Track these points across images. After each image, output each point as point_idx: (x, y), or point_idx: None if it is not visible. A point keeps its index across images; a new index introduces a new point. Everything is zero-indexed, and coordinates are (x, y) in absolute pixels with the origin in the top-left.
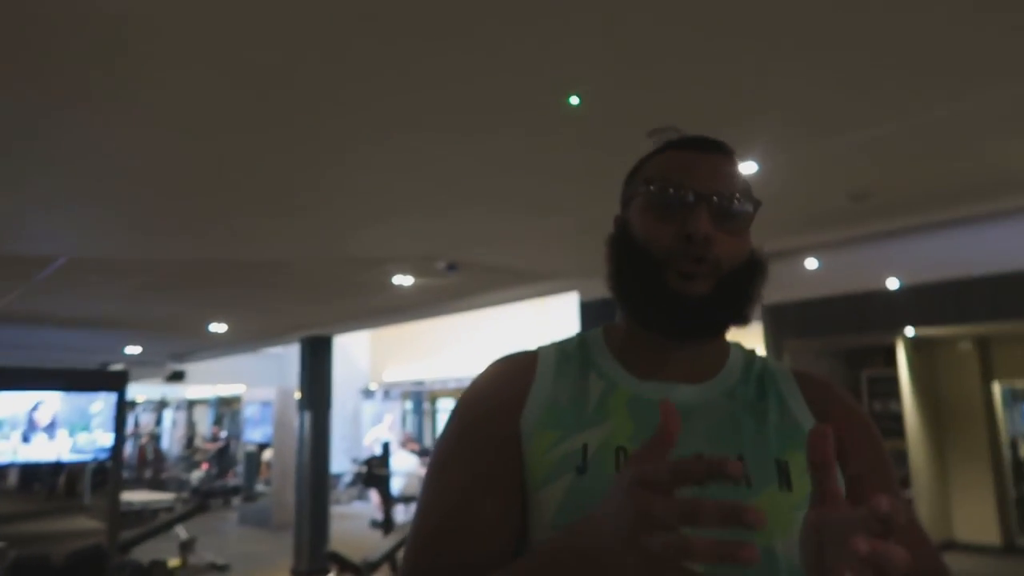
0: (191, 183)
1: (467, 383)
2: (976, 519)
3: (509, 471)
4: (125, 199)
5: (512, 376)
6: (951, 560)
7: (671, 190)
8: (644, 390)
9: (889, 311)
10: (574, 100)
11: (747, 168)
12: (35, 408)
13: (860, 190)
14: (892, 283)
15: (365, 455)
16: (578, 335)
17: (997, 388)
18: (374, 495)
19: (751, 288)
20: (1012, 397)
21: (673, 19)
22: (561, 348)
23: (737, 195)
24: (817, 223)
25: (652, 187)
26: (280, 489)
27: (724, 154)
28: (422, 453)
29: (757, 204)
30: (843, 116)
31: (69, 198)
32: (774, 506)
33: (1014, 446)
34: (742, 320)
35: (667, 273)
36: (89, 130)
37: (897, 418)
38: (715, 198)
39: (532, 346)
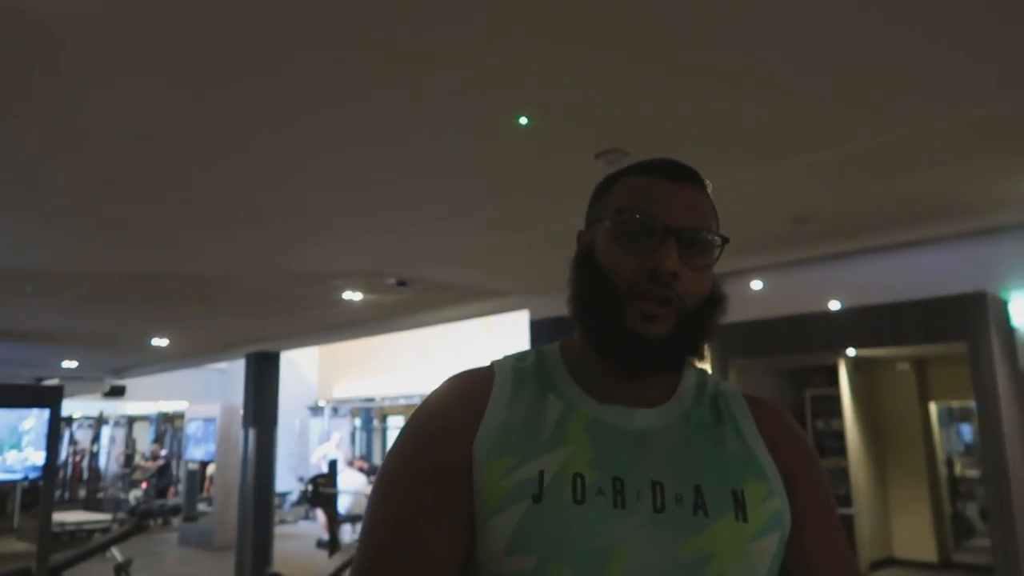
0: (126, 196)
1: (418, 401)
2: (914, 536)
3: (457, 500)
4: (58, 210)
5: (465, 396)
6: None
7: (640, 221)
8: (603, 414)
9: (830, 332)
10: (523, 121)
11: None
12: None
13: (803, 213)
14: (834, 305)
15: (312, 473)
16: (535, 351)
17: (934, 408)
18: (320, 514)
19: (710, 324)
20: (949, 417)
21: (615, 45)
22: (518, 366)
23: (706, 231)
24: (761, 245)
25: (621, 215)
26: (222, 508)
27: (696, 184)
28: (371, 472)
29: (725, 240)
30: (784, 142)
31: None
32: (729, 536)
33: (950, 464)
34: (698, 355)
35: (628, 310)
36: (17, 139)
37: (839, 436)
38: (684, 233)
39: (487, 361)
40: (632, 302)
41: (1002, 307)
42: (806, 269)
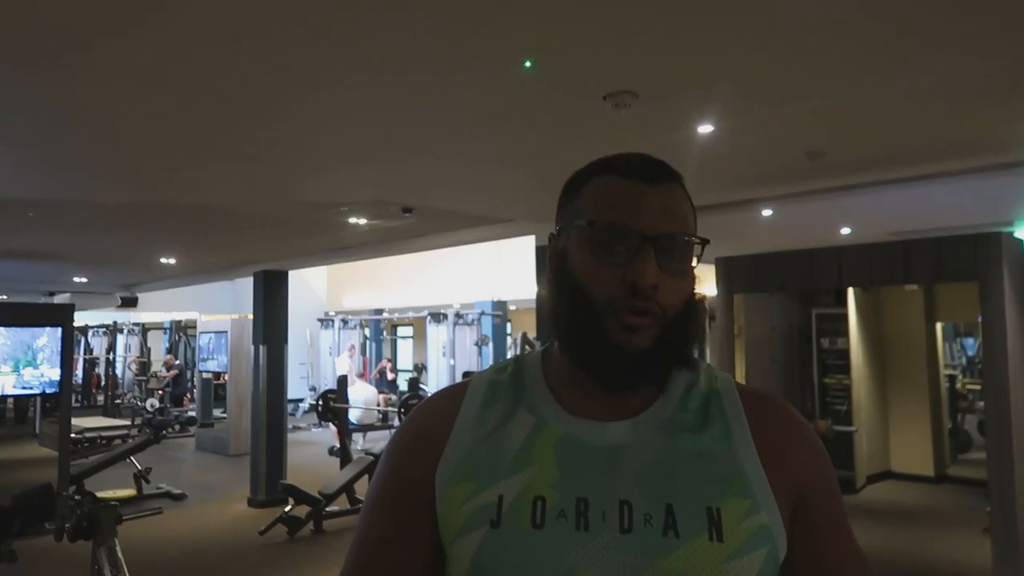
0: (133, 129)
1: (426, 313)
2: (912, 450)
3: (423, 525)
4: (62, 143)
5: (434, 421)
6: (888, 489)
7: (614, 231)
8: (575, 429)
9: (838, 268)
10: (527, 64)
11: (704, 128)
12: None
13: (817, 148)
14: (845, 231)
15: (324, 386)
16: (515, 360)
17: (939, 327)
18: (332, 425)
19: (693, 328)
20: (954, 332)
21: None
22: (494, 379)
23: (686, 236)
24: (773, 178)
25: (593, 226)
26: (236, 418)
27: (670, 183)
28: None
29: (705, 242)
30: (799, 83)
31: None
32: (702, 558)
33: (951, 379)
34: (686, 363)
35: (609, 323)
36: (22, 76)
37: (843, 355)
38: (662, 239)
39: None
40: (612, 316)
41: (1016, 246)
42: (817, 201)
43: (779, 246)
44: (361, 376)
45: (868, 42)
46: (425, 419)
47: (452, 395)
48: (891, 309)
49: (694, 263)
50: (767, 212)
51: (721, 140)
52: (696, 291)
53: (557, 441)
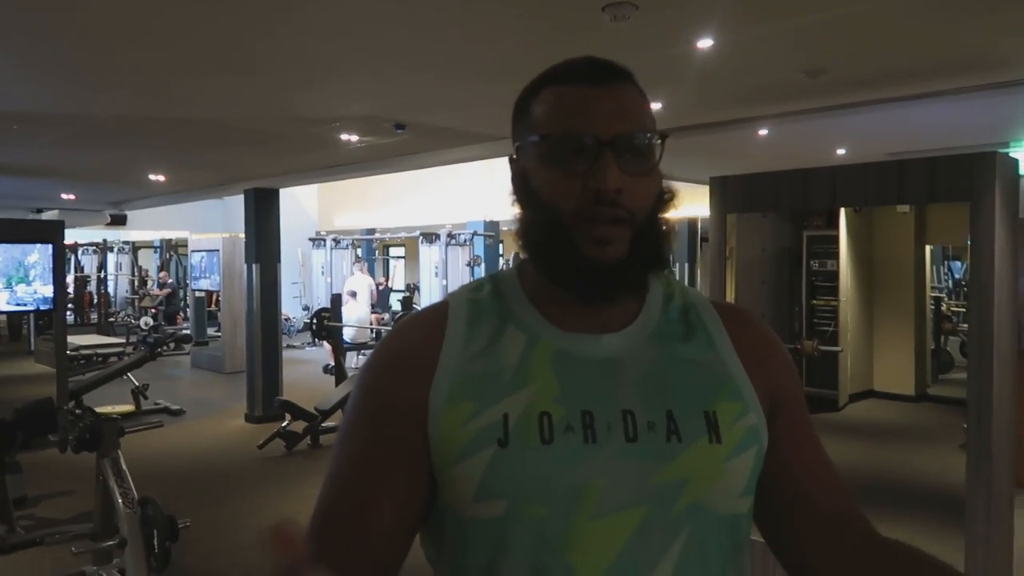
0: (126, 38)
1: (418, 233)
2: (895, 370)
3: (411, 448)
4: (50, 54)
5: (418, 341)
6: (870, 408)
7: (568, 140)
8: (569, 343)
9: (832, 188)
10: None
11: (703, 43)
12: None
13: (817, 66)
14: (840, 151)
15: (317, 305)
16: (490, 279)
17: (928, 250)
18: (326, 343)
19: (666, 228)
20: (942, 256)
21: None
22: (473, 298)
23: (642, 132)
24: (770, 95)
25: (547, 140)
26: (230, 336)
27: (622, 80)
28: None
29: (664, 136)
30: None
31: None
32: (704, 460)
33: (936, 302)
34: (663, 266)
35: (580, 237)
36: None
37: (833, 276)
38: (619, 141)
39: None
40: (581, 229)
41: (1011, 165)
42: (814, 120)
43: (774, 167)
44: (353, 295)
45: None
46: (406, 339)
47: (431, 316)
48: (882, 231)
49: (657, 159)
50: (763, 132)
51: (720, 55)
52: (665, 189)
53: (553, 356)
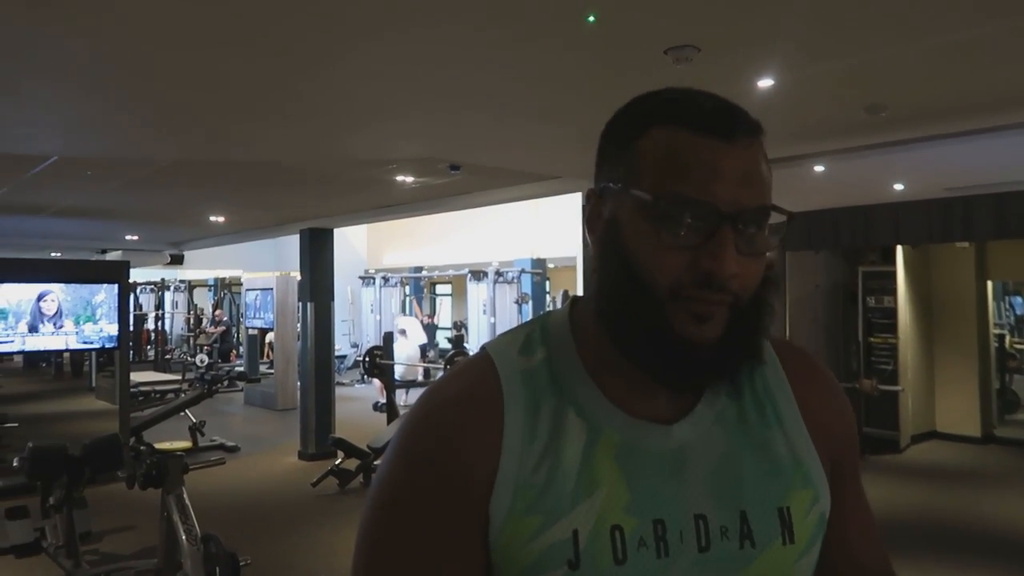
0: (181, 89)
1: (466, 272)
2: (958, 410)
3: (470, 536)
4: (116, 103)
5: (473, 431)
6: (933, 449)
7: (682, 207)
8: (635, 435)
9: (895, 225)
10: (591, 19)
11: (764, 83)
12: (41, 298)
13: (878, 102)
14: (896, 188)
15: (367, 343)
16: (541, 332)
17: (990, 286)
18: (376, 381)
19: (768, 314)
20: (1003, 291)
21: None
22: (527, 372)
23: (771, 208)
24: (828, 133)
25: (658, 202)
26: (283, 374)
27: (751, 137)
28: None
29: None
30: (862, 35)
31: (60, 99)
32: (777, 563)
33: (999, 339)
34: (759, 358)
35: (674, 312)
36: (80, 37)
37: (890, 313)
38: (744, 216)
39: (482, 349)
40: (678, 303)
41: None
42: (871, 156)
43: (829, 203)
44: (403, 333)
45: None
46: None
47: (481, 393)
48: (940, 266)
49: (778, 240)
50: (819, 168)
51: (780, 93)
52: (769, 265)
53: (618, 452)
